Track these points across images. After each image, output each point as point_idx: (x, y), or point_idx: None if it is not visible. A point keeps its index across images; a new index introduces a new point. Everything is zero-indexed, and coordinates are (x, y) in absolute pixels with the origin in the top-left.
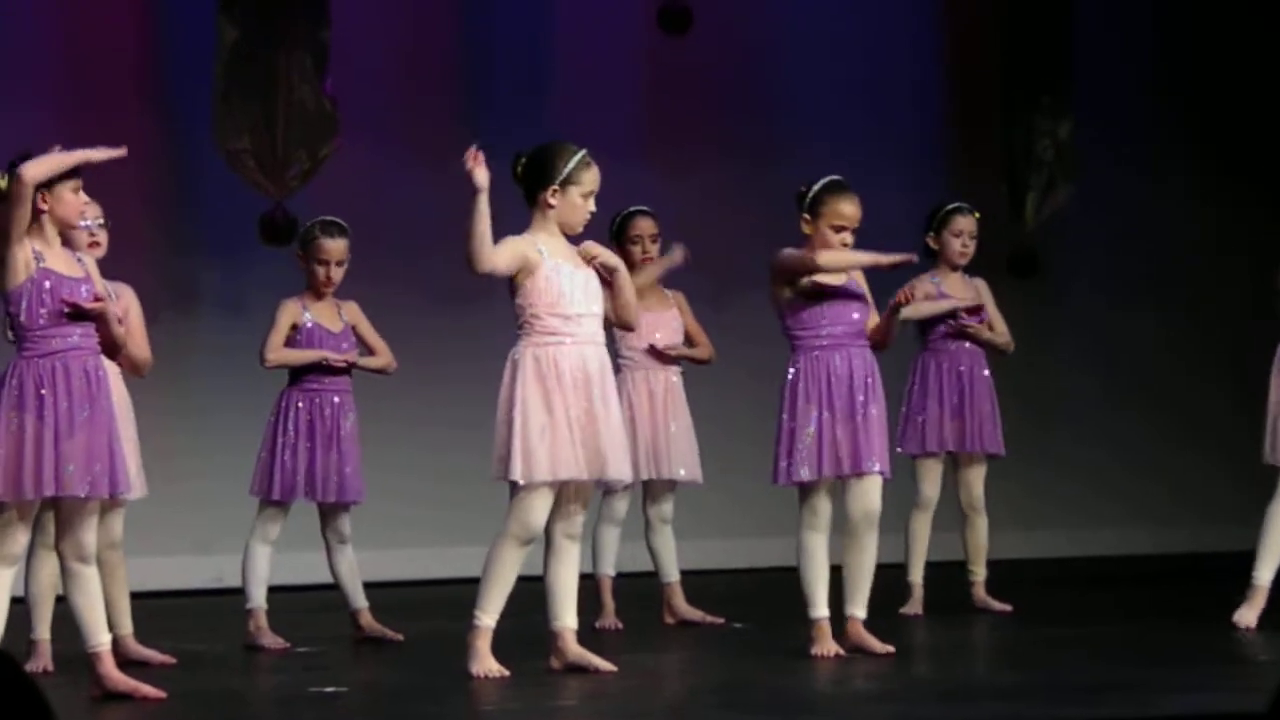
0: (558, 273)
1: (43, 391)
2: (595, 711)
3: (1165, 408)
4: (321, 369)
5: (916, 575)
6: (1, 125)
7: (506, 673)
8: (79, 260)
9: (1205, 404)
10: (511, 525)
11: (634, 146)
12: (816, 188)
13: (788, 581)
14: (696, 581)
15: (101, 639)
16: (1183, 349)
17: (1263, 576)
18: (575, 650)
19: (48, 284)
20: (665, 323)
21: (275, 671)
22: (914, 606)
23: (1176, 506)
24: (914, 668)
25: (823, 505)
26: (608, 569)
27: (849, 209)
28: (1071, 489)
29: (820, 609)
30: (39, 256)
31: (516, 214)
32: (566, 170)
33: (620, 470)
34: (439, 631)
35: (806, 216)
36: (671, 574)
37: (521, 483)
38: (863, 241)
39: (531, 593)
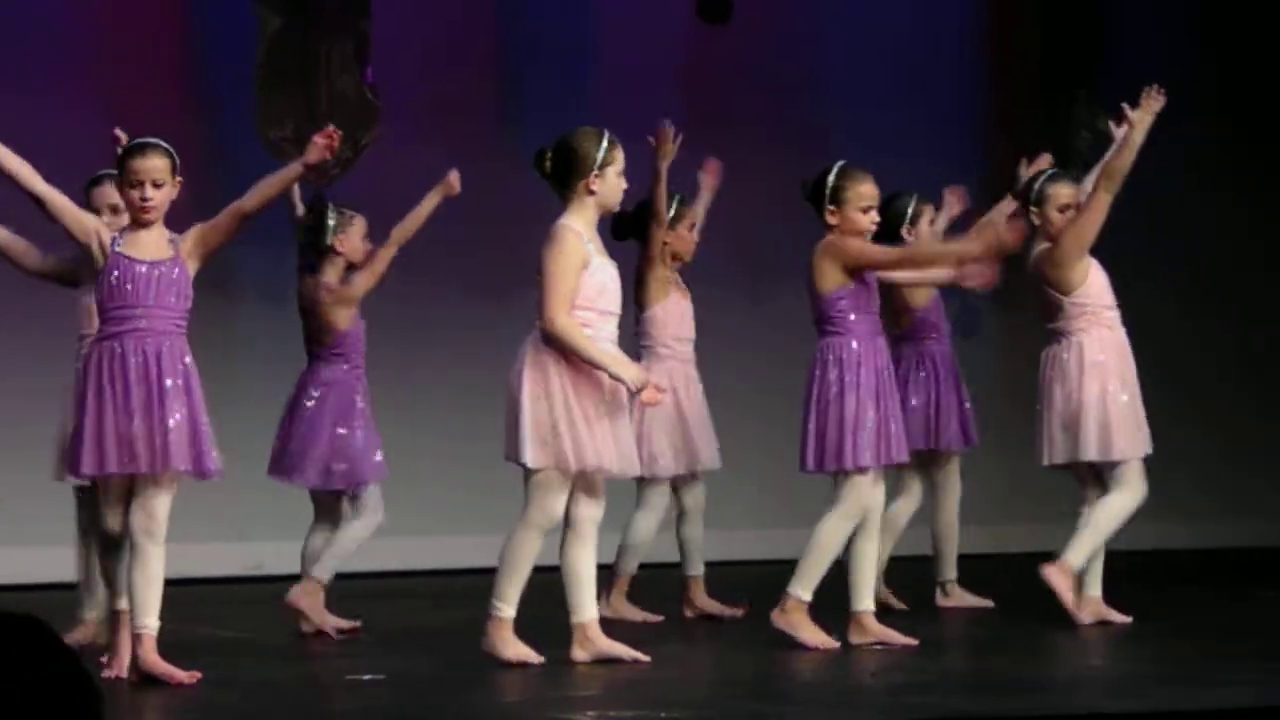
0: (602, 269)
1: (104, 373)
2: (630, 701)
3: (1191, 400)
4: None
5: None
6: (44, 114)
7: (541, 658)
8: (171, 240)
9: (1230, 396)
10: (534, 514)
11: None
12: (833, 176)
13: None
14: (721, 572)
15: (148, 621)
16: (1214, 342)
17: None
18: (605, 642)
19: (115, 272)
20: (683, 311)
21: (311, 659)
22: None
23: (1204, 500)
24: (945, 660)
25: (870, 494)
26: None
27: (871, 189)
28: None
29: (868, 601)
30: (116, 241)
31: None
32: (601, 154)
33: (634, 465)
34: (476, 619)
35: (831, 207)
36: (696, 567)
37: (542, 469)
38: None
39: (545, 583)
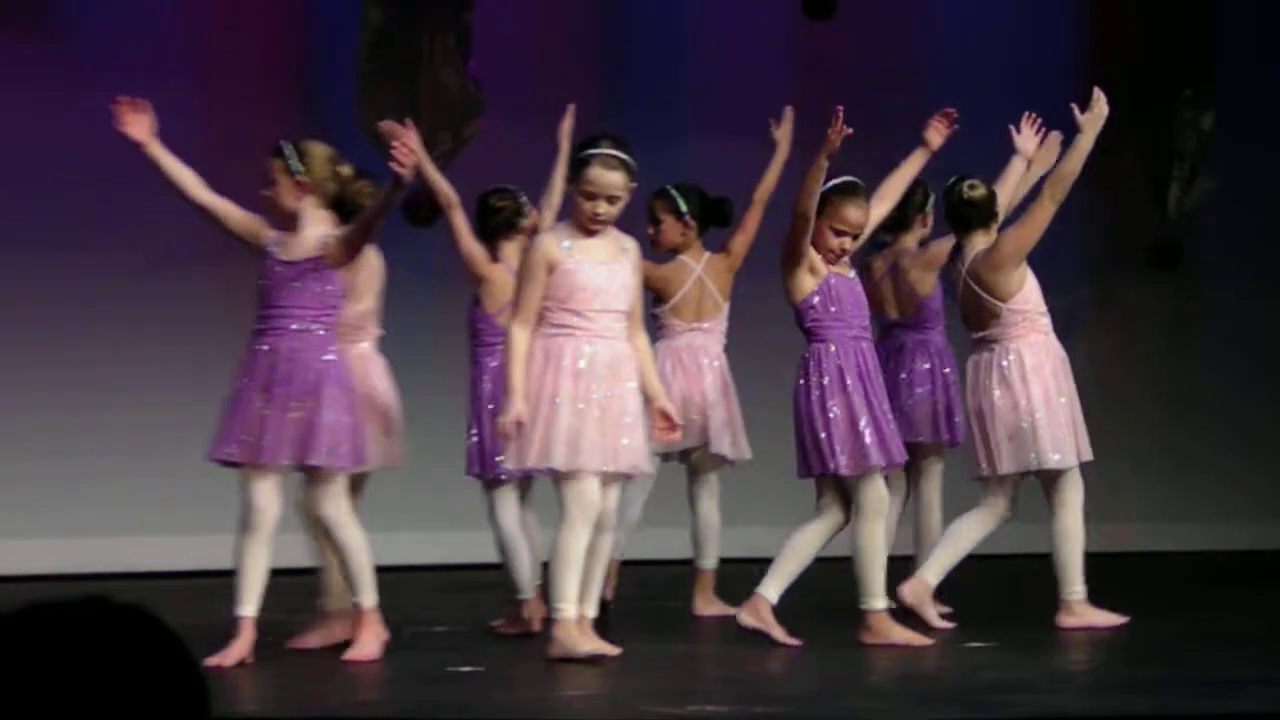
0: (584, 270)
1: (244, 369)
2: (729, 695)
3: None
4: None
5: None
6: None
7: (618, 649)
8: (321, 240)
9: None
10: (570, 510)
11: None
12: (827, 187)
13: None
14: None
15: (354, 600)
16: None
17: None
18: (577, 640)
19: (263, 273)
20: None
21: (413, 650)
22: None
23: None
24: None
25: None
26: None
27: (855, 214)
28: (1207, 483)
29: (883, 599)
30: (274, 242)
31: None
32: (573, 164)
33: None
34: None
35: None
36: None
37: (567, 470)
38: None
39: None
